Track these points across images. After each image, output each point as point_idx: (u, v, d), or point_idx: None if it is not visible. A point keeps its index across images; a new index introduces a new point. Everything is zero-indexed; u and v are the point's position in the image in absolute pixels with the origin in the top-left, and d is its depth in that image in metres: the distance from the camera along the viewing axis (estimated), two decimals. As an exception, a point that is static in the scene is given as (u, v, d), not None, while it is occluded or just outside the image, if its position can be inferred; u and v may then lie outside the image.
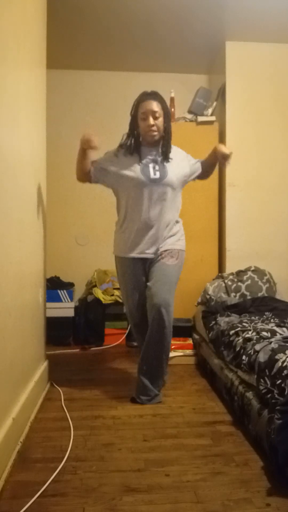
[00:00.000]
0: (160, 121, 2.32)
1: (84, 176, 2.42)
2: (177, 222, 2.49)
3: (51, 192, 3.11)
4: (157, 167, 2.36)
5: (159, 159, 2.38)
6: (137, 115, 2.34)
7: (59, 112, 4.17)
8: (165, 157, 2.38)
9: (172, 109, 3.75)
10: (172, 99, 3.75)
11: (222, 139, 3.80)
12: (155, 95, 2.35)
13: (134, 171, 2.34)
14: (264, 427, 1.72)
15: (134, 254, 2.41)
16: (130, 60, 4.07)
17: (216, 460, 1.76)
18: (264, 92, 3.76)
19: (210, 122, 3.76)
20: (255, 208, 3.76)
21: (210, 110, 3.74)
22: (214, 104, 3.78)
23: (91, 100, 4.28)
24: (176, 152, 2.46)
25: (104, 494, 1.52)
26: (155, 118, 2.30)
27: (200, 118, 3.72)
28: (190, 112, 3.78)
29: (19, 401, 1.91)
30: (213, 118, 3.76)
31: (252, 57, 3.75)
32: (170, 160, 2.39)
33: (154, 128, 2.30)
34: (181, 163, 2.46)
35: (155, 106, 2.30)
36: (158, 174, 2.34)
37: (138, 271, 2.44)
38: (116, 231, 2.53)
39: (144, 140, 2.38)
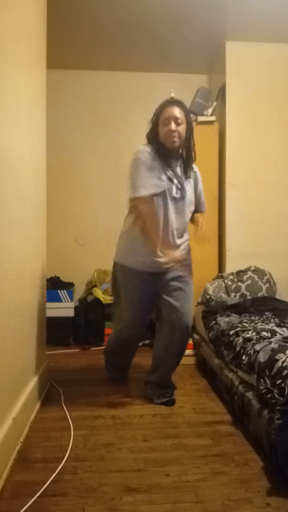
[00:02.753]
0: (182, 128, 2.24)
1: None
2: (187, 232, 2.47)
3: (51, 192, 3.11)
4: (179, 185, 2.29)
5: (181, 173, 2.32)
6: (158, 121, 2.27)
7: (59, 112, 4.17)
8: (186, 171, 2.33)
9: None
10: (172, 99, 3.75)
11: (222, 139, 3.80)
12: (179, 103, 2.28)
13: (161, 182, 2.25)
14: (264, 427, 1.72)
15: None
16: (130, 60, 4.06)
17: (216, 460, 1.76)
18: (264, 92, 3.76)
19: (210, 122, 3.76)
20: (255, 208, 3.76)
21: (210, 110, 3.74)
22: (214, 104, 3.78)
23: (91, 100, 4.28)
24: (197, 171, 2.44)
25: (104, 494, 1.52)
26: (177, 124, 2.22)
27: (200, 118, 3.72)
28: (190, 112, 3.77)
29: (19, 401, 1.91)
30: (213, 118, 3.76)
31: (252, 57, 3.74)
32: (189, 177, 2.35)
33: (175, 134, 2.22)
34: (197, 190, 2.45)
35: (178, 112, 2.23)
36: (179, 194, 2.30)
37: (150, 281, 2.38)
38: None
39: (164, 147, 2.27)
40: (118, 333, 2.58)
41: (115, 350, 2.68)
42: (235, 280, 3.38)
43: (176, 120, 2.22)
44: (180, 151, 2.31)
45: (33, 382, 2.21)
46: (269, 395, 1.77)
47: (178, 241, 2.37)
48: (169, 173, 2.28)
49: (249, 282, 3.35)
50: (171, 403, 2.38)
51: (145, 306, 2.43)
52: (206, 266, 3.72)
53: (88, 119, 4.28)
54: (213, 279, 3.51)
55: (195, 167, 2.43)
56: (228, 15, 3.31)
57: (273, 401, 1.71)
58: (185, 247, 2.45)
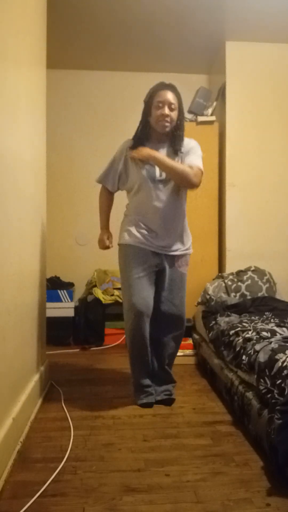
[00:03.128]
0: (175, 114, 2.25)
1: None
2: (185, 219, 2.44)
3: (51, 192, 3.11)
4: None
5: (166, 154, 2.29)
6: (151, 103, 2.26)
7: (59, 112, 4.17)
8: (175, 153, 2.30)
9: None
10: (172, 99, 3.75)
11: (222, 139, 3.80)
12: (173, 88, 2.27)
13: (140, 171, 2.29)
14: (264, 427, 1.72)
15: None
16: (130, 60, 4.07)
17: (216, 460, 1.76)
18: (264, 92, 3.77)
19: (210, 122, 3.77)
20: (255, 208, 3.76)
21: (210, 110, 3.74)
22: (214, 104, 3.78)
23: (91, 100, 4.28)
24: (186, 145, 2.35)
25: (104, 494, 1.52)
26: (171, 110, 2.22)
27: (200, 118, 3.72)
28: (190, 112, 3.78)
29: (19, 401, 1.91)
30: (213, 118, 3.76)
31: (252, 57, 3.75)
32: (178, 155, 2.30)
33: (168, 118, 2.22)
34: (184, 156, 2.34)
35: (172, 97, 2.23)
36: (164, 175, 2.27)
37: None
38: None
39: (154, 131, 2.29)
40: (127, 317, 2.35)
41: (133, 346, 2.37)
42: (235, 280, 3.38)
43: (170, 105, 2.22)
44: (171, 134, 2.31)
45: (33, 382, 2.21)
46: (269, 395, 1.77)
47: (169, 225, 2.32)
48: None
49: (249, 282, 3.35)
50: (169, 402, 2.36)
51: (143, 280, 2.31)
52: (206, 266, 3.72)
53: (88, 119, 4.28)
54: (213, 279, 3.51)
55: (187, 141, 2.35)
56: (228, 15, 3.31)
57: (273, 401, 1.71)
58: (182, 232, 2.40)
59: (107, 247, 2.51)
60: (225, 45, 3.72)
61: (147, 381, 2.39)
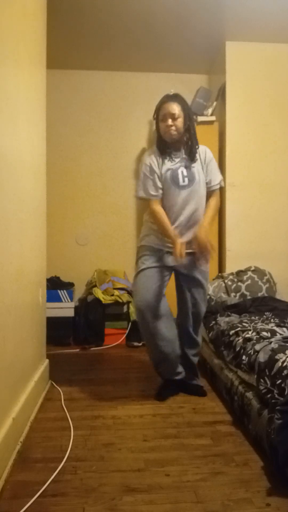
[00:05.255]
0: (180, 121, 2.36)
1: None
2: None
3: (51, 192, 3.12)
4: (185, 172, 2.39)
5: (186, 161, 2.41)
6: (158, 117, 2.40)
7: (59, 112, 4.17)
8: (192, 157, 2.42)
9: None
10: (172, 99, 3.75)
11: (222, 139, 3.80)
12: (175, 97, 2.39)
13: (166, 176, 2.39)
14: (264, 427, 1.72)
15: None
16: (130, 60, 4.07)
17: (216, 460, 1.76)
18: (264, 92, 3.77)
19: (210, 122, 3.77)
20: (255, 208, 3.76)
21: (210, 110, 3.75)
22: (214, 104, 3.78)
23: (91, 100, 4.28)
24: (202, 152, 2.48)
25: (104, 494, 1.52)
26: (174, 119, 2.34)
27: (200, 118, 3.72)
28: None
29: (19, 401, 1.91)
30: (213, 118, 3.76)
31: (252, 57, 3.75)
32: (196, 160, 2.43)
33: (173, 128, 2.35)
34: (205, 167, 2.48)
35: (173, 107, 2.34)
36: (186, 181, 2.38)
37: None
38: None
39: (165, 141, 2.41)
40: (138, 313, 2.42)
41: (149, 343, 2.46)
42: (235, 280, 3.38)
43: (172, 116, 2.34)
44: (184, 139, 2.42)
45: (33, 382, 2.21)
46: (269, 395, 1.77)
47: (188, 232, 2.40)
48: (172, 163, 2.39)
49: (249, 282, 3.35)
50: (201, 392, 2.51)
51: (155, 278, 2.39)
52: (206, 266, 3.72)
53: (88, 119, 4.28)
54: (213, 279, 3.51)
55: (202, 148, 2.49)
56: (228, 15, 3.31)
57: (273, 401, 1.71)
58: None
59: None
60: (225, 45, 3.72)
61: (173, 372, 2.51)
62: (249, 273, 3.41)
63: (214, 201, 2.49)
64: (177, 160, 2.40)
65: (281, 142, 3.78)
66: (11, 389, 1.79)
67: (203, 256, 2.35)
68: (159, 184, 2.39)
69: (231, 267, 3.64)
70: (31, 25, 2.22)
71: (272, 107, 3.77)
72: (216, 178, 2.49)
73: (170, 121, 2.34)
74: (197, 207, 2.43)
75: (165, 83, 4.16)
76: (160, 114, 2.38)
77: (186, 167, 2.40)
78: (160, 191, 2.40)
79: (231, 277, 3.42)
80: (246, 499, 1.49)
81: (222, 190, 3.78)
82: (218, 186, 2.50)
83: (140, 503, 1.47)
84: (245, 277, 3.38)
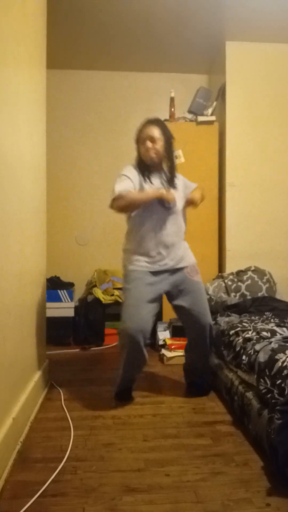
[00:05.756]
0: (160, 145, 2.37)
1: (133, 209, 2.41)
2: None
3: (51, 192, 3.11)
4: (165, 184, 2.41)
5: (165, 186, 2.41)
6: (137, 140, 2.43)
7: (59, 112, 4.17)
8: (172, 183, 2.43)
9: (172, 109, 3.76)
10: (172, 99, 3.76)
11: (222, 139, 3.80)
12: (156, 122, 2.42)
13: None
14: (264, 427, 1.72)
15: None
16: (130, 60, 4.07)
17: (216, 460, 1.76)
18: (264, 92, 3.77)
19: (210, 122, 3.77)
20: (255, 208, 3.76)
21: (210, 110, 3.74)
22: (214, 104, 3.78)
23: (91, 100, 4.29)
24: (181, 179, 2.52)
25: (104, 494, 1.52)
26: (154, 142, 2.36)
27: (200, 118, 3.72)
28: (190, 112, 3.78)
29: (19, 401, 1.91)
30: (213, 118, 3.76)
31: (252, 57, 3.75)
32: (176, 187, 2.44)
33: (152, 151, 2.36)
34: (182, 192, 2.50)
35: (154, 131, 2.36)
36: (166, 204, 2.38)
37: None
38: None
39: (144, 163, 2.41)
40: (126, 332, 2.33)
41: (125, 361, 2.39)
42: (235, 280, 3.38)
43: (151, 139, 2.36)
44: (163, 164, 2.43)
45: (33, 382, 2.21)
46: (269, 395, 1.77)
47: (172, 245, 2.42)
48: (151, 186, 2.38)
49: (249, 282, 3.35)
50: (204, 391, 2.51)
51: (146, 303, 2.34)
52: (206, 266, 3.72)
53: (88, 119, 4.28)
54: (213, 279, 3.51)
55: (185, 179, 2.54)
56: (228, 15, 3.31)
57: (273, 401, 1.71)
58: (180, 249, 2.48)
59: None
60: (225, 45, 3.72)
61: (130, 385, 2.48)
62: (249, 273, 3.41)
63: (199, 188, 2.55)
64: (156, 183, 2.39)
65: (281, 142, 3.79)
66: (11, 389, 1.79)
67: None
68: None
69: (231, 267, 3.64)
70: (31, 25, 2.22)
71: (272, 107, 3.77)
72: (194, 184, 2.56)
73: (149, 144, 2.35)
74: (174, 238, 2.43)
75: (165, 83, 4.16)
76: (140, 137, 2.40)
77: (166, 181, 2.42)
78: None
79: (231, 277, 3.42)
80: (246, 499, 1.49)
81: (222, 190, 3.82)
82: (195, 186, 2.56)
83: (140, 503, 1.47)
84: (245, 277, 3.38)
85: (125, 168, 2.42)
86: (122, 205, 2.28)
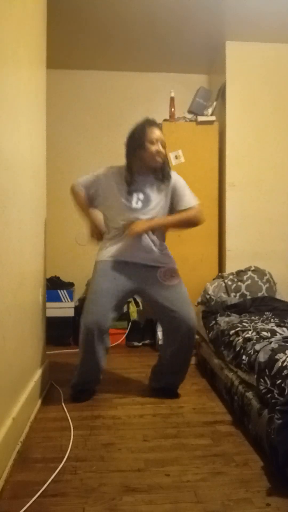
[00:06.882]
0: (164, 150, 2.35)
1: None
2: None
3: (51, 192, 3.11)
4: (141, 197, 2.36)
5: (149, 188, 2.38)
6: (145, 138, 2.32)
7: (59, 112, 4.17)
8: (163, 182, 2.39)
9: (172, 109, 3.76)
10: (172, 99, 3.76)
11: (222, 139, 3.80)
12: (157, 124, 2.40)
13: (120, 197, 2.38)
14: (264, 427, 1.72)
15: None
16: (130, 60, 4.07)
17: (216, 460, 1.76)
18: (264, 92, 3.77)
19: (210, 122, 3.77)
20: (255, 208, 3.76)
21: (210, 110, 3.74)
22: (214, 104, 3.78)
23: (91, 100, 4.28)
24: (175, 181, 2.44)
25: (104, 494, 1.52)
26: (163, 146, 2.34)
27: (200, 118, 3.72)
28: (190, 112, 3.78)
29: (19, 401, 1.91)
30: (213, 118, 3.76)
31: (252, 57, 3.74)
32: (161, 190, 2.39)
33: (162, 155, 2.33)
34: (165, 198, 2.43)
35: (161, 134, 2.34)
36: (140, 204, 2.35)
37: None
38: None
39: (145, 165, 2.36)
40: (83, 323, 2.34)
41: (83, 350, 2.38)
42: (235, 280, 3.38)
43: (162, 142, 2.34)
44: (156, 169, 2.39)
45: (33, 382, 2.21)
46: (269, 395, 1.77)
47: (146, 252, 2.39)
48: (132, 186, 2.36)
49: (249, 282, 3.35)
50: (172, 394, 2.44)
51: (111, 294, 2.38)
52: (206, 266, 3.72)
53: (88, 119, 4.28)
54: (213, 279, 3.51)
55: (179, 179, 2.46)
56: (228, 15, 3.31)
57: (273, 401, 1.71)
58: (160, 250, 2.45)
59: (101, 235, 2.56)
60: (225, 45, 3.71)
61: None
62: (249, 273, 3.41)
63: (185, 212, 2.38)
64: (141, 182, 2.36)
65: (281, 142, 3.78)
66: (11, 389, 1.79)
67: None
68: (94, 193, 2.44)
69: (231, 267, 3.64)
70: (31, 25, 2.22)
71: (272, 107, 3.77)
72: (187, 204, 2.39)
73: (160, 147, 2.31)
74: (154, 239, 2.39)
75: (165, 83, 4.15)
76: (148, 137, 2.30)
77: (144, 191, 2.36)
78: (90, 194, 2.44)
79: (231, 277, 3.41)
80: (246, 499, 1.49)
81: (222, 190, 3.82)
82: (189, 206, 2.39)
83: (140, 503, 1.47)
84: (245, 277, 3.38)
85: (104, 168, 2.45)
86: (72, 196, 2.52)
